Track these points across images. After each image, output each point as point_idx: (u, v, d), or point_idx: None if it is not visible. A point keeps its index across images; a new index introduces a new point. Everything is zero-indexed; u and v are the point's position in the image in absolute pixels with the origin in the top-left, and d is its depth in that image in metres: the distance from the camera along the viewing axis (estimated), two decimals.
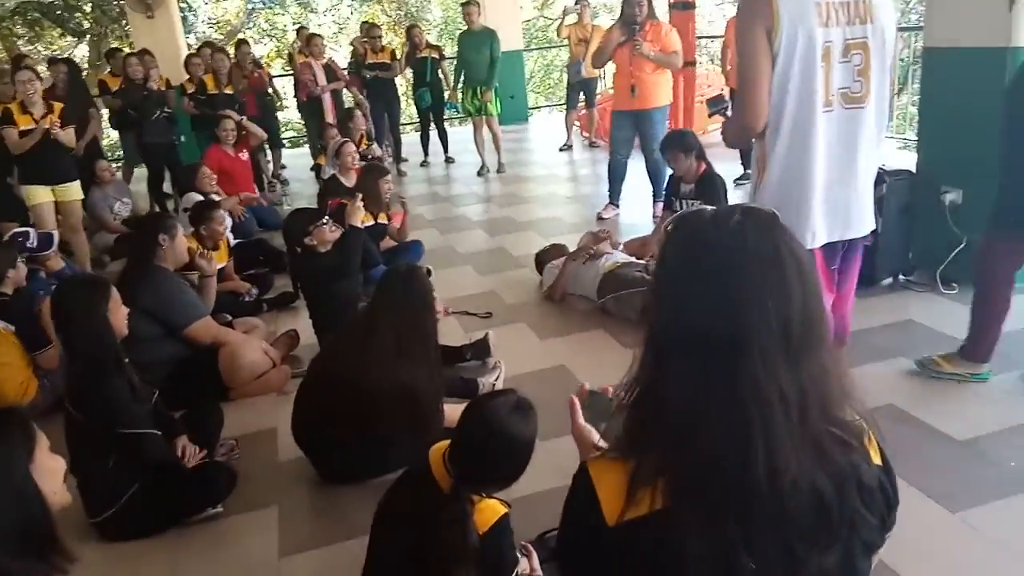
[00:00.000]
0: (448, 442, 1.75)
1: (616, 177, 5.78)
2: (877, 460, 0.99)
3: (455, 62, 7.98)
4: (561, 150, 8.87)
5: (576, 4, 8.23)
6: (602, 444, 1.20)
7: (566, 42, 8.63)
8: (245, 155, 6.56)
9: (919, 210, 3.85)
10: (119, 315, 2.50)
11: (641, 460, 0.91)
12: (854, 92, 2.07)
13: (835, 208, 2.16)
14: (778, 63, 1.99)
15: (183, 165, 6.61)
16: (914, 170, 3.99)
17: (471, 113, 7.73)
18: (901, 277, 3.95)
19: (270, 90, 7.78)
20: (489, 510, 1.69)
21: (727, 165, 5.52)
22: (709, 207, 1.01)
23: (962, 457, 2.51)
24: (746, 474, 0.87)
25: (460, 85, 7.73)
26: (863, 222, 2.24)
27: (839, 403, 0.95)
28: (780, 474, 0.87)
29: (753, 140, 2.20)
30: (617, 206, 5.84)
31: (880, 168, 3.87)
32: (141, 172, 7.47)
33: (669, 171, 4.81)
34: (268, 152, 8.12)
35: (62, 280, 3.38)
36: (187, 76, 7.39)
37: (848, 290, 2.40)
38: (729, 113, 2.58)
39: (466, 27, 7.64)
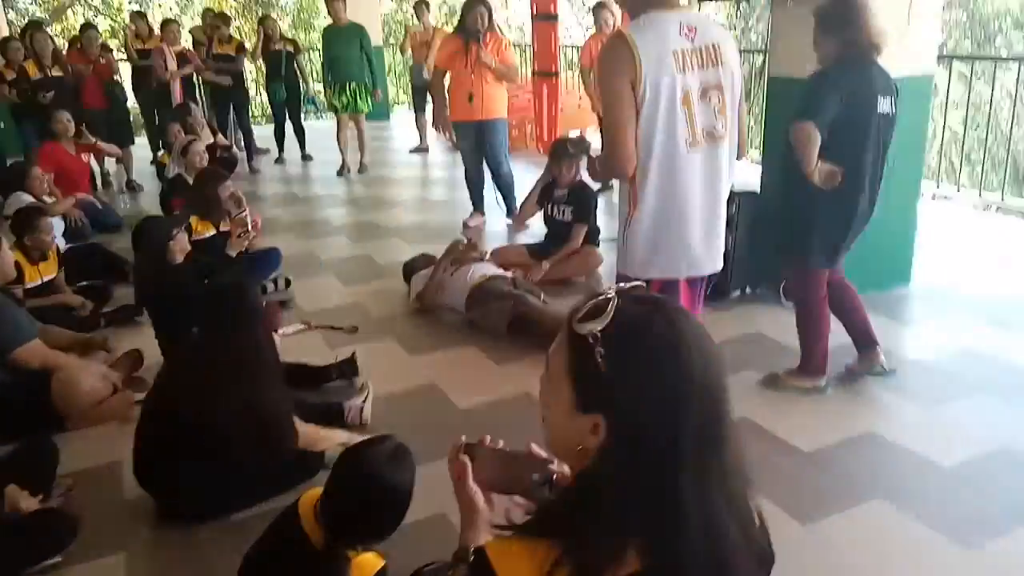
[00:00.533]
0: (318, 492, 1.65)
1: (474, 185, 5.79)
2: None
3: (320, 57, 7.71)
4: (411, 152, 8.75)
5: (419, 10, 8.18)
6: (495, 516, 1.11)
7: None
8: (86, 157, 6.01)
9: (764, 228, 4.11)
10: None
11: (567, 550, 0.84)
12: (717, 131, 2.20)
13: (701, 241, 2.27)
14: (644, 110, 2.09)
15: (7, 164, 5.93)
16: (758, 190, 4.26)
17: (337, 110, 7.47)
18: (749, 290, 4.22)
19: (116, 77, 7.12)
20: (367, 565, 1.62)
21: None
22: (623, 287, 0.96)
23: (810, 468, 2.70)
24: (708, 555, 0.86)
25: (329, 81, 7.43)
26: (717, 258, 2.36)
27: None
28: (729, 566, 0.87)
29: (620, 184, 2.31)
30: (483, 213, 5.84)
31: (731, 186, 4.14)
32: None
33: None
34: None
35: None
36: (3, 61, 6.63)
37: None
38: (592, 152, 2.65)
39: (331, 22, 7.37)
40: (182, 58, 7.65)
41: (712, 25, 2.26)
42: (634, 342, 0.89)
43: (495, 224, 5.82)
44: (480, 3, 5.31)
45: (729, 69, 2.19)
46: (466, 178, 5.81)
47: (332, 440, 2.65)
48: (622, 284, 0.97)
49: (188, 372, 2.45)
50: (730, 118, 2.21)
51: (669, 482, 0.86)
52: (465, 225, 5.76)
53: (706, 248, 2.30)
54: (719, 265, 2.38)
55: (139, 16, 8.05)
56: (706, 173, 2.22)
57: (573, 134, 7.56)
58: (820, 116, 2.75)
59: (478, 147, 5.57)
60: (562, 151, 4.71)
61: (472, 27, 5.24)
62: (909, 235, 4.23)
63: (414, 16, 8.70)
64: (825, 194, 2.86)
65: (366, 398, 3.10)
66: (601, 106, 2.22)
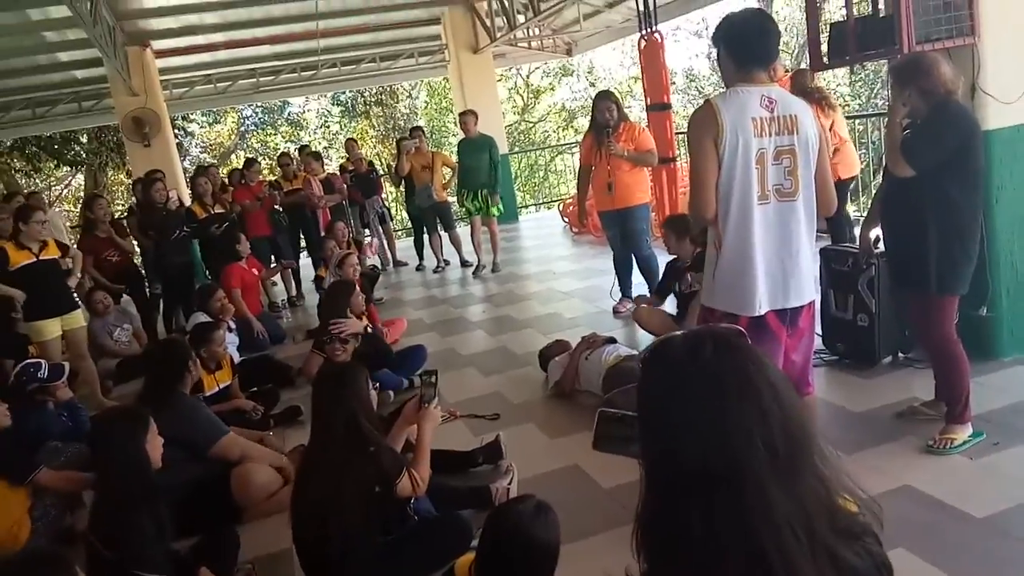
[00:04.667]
0: (472, 556, 1.75)
1: (623, 271, 5.91)
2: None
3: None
4: (435, 271, 8.68)
5: (412, 138, 8.47)
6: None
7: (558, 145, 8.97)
8: (256, 271, 6.81)
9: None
10: (156, 446, 2.54)
11: None
12: (785, 188, 2.47)
13: (775, 281, 2.50)
14: (723, 165, 2.41)
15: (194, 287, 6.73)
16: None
17: (471, 213, 7.92)
18: (900, 355, 4.02)
19: (278, 207, 7.96)
20: None
21: None
22: (679, 332, 1.05)
23: (983, 535, 2.50)
24: None
25: (461, 188, 7.94)
26: (802, 292, 2.56)
27: (841, 505, 0.98)
28: None
29: (709, 228, 2.58)
30: (631, 299, 5.88)
31: (869, 253, 4.04)
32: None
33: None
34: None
35: (102, 411, 3.41)
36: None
37: (806, 348, 2.68)
38: None
39: (464, 135, 7.94)
40: (328, 184, 8.40)
41: (792, 100, 2.52)
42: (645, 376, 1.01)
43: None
44: (607, 97, 5.62)
45: (804, 137, 2.46)
46: (615, 264, 5.95)
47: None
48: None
49: (317, 465, 2.64)
50: (803, 178, 2.48)
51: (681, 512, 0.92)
52: (615, 311, 5.84)
53: (782, 285, 2.50)
54: (807, 296, 2.57)
55: (286, 156, 9.00)
56: (780, 223, 2.48)
57: None
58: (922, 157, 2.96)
59: (622, 235, 5.73)
60: (671, 228, 4.82)
61: (602, 121, 5.51)
62: None
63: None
64: (962, 223, 2.98)
65: (511, 479, 3.21)
66: (690, 161, 2.52)
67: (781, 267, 2.49)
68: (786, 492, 0.91)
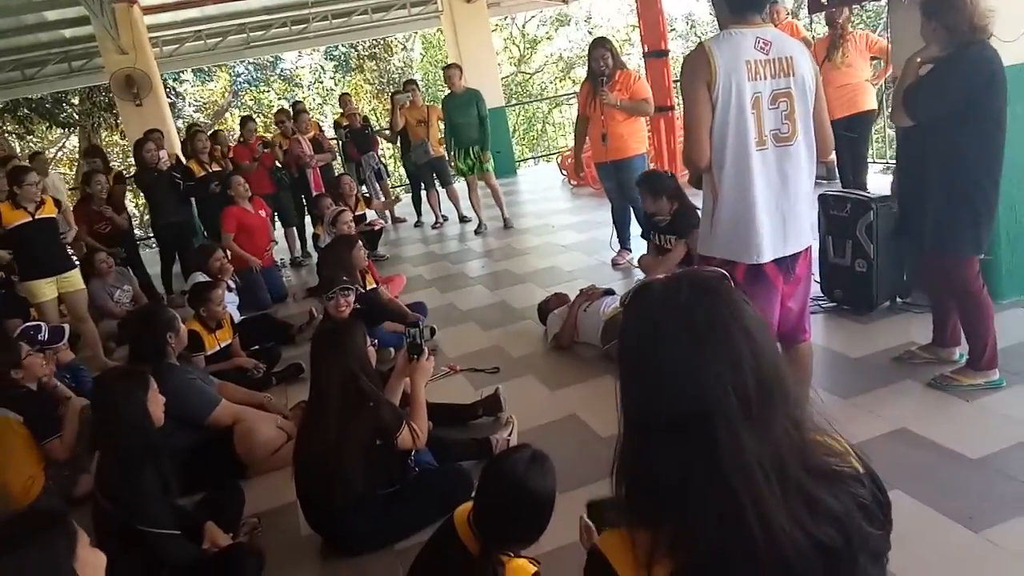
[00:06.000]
0: (471, 504, 1.78)
1: (620, 223, 5.85)
2: (861, 468, 1.02)
3: (443, 125, 8.12)
4: (434, 227, 8.68)
5: (406, 92, 8.33)
6: None
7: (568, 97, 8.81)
8: (264, 213, 6.72)
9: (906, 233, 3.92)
10: (157, 405, 2.56)
11: (652, 536, 0.94)
12: (783, 133, 2.43)
13: (775, 229, 2.46)
14: (717, 110, 2.36)
15: (193, 247, 6.69)
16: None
17: (464, 172, 7.82)
18: (898, 300, 4.02)
19: (278, 163, 7.87)
20: (520, 570, 1.72)
21: None
22: (659, 277, 1.05)
23: (979, 475, 2.53)
24: (746, 543, 0.90)
25: (452, 146, 7.80)
26: (800, 238, 2.54)
27: (817, 447, 0.98)
28: (778, 539, 0.90)
29: (703, 175, 2.54)
30: (630, 250, 5.88)
31: (867, 195, 4.01)
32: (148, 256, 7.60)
33: None
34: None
35: (103, 372, 3.42)
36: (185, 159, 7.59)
37: (803, 295, 2.66)
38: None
39: (449, 90, 7.79)
40: (316, 144, 8.26)
41: (788, 41, 2.45)
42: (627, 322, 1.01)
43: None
44: (601, 45, 5.48)
45: (800, 79, 2.41)
46: (612, 216, 5.91)
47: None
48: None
49: (314, 419, 2.68)
50: (801, 122, 2.43)
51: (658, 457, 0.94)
52: (615, 263, 5.82)
53: (781, 233, 2.47)
54: (804, 242, 2.55)
55: (283, 113, 8.87)
56: (778, 169, 2.43)
57: None
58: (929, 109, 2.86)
59: (618, 186, 5.66)
60: (646, 188, 4.82)
61: (596, 69, 5.39)
62: None
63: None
64: (971, 179, 2.87)
65: (511, 431, 3.24)
66: (683, 106, 2.47)
67: (780, 214, 2.46)
68: (758, 437, 0.92)
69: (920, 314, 3.77)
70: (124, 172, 7.55)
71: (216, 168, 7.26)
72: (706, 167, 2.46)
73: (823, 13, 5.70)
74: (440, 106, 7.99)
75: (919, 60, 2.93)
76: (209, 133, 8.22)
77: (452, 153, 7.83)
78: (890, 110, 3.05)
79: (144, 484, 2.41)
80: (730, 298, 0.98)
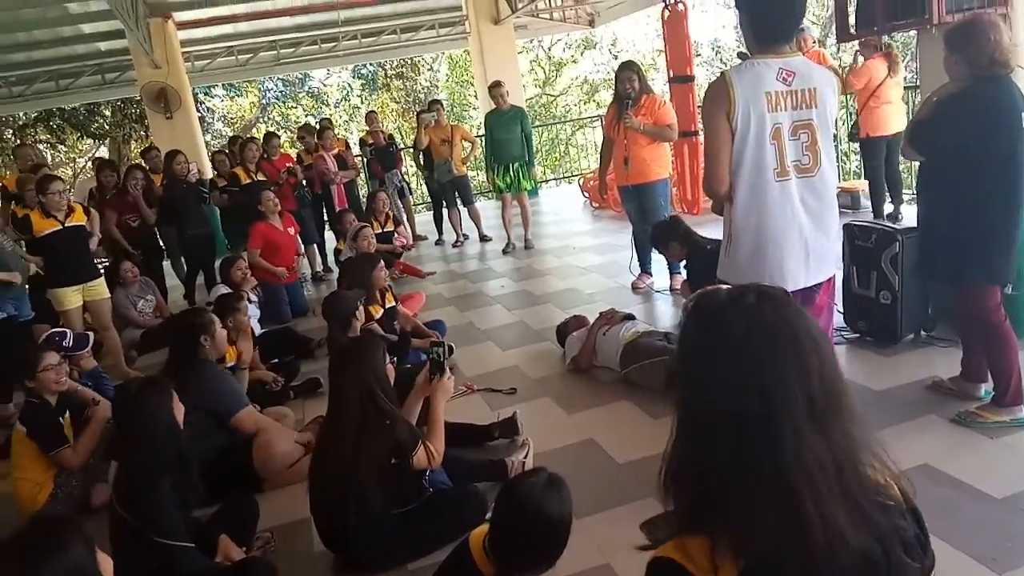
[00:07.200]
0: (487, 527, 1.77)
1: (642, 247, 5.83)
2: (904, 502, 1.03)
3: (483, 141, 8.14)
4: (454, 246, 8.70)
5: (431, 111, 8.37)
6: None
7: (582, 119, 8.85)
8: (292, 231, 6.76)
9: (929, 264, 3.87)
10: (179, 415, 2.58)
11: (710, 541, 0.95)
12: (804, 164, 2.43)
13: (797, 259, 2.46)
14: (735, 140, 2.38)
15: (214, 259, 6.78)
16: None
17: (501, 190, 7.79)
18: (923, 333, 3.96)
19: (303, 181, 7.96)
20: None
21: None
22: (724, 286, 1.07)
23: (1003, 515, 2.47)
24: (805, 545, 0.91)
25: (492, 162, 7.78)
26: (821, 268, 2.54)
27: (869, 467, 0.99)
28: (838, 539, 0.91)
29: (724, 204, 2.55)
30: (650, 274, 5.87)
31: (892, 226, 3.98)
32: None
33: None
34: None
35: (126, 381, 3.47)
36: (215, 172, 7.67)
37: (824, 325, 2.61)
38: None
39: (494, 107, 7.78)
40: (341, 160, 8.33)
41: (814, 71, 2.44)
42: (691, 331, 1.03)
43: (664, 283, 5.76)
44: (628, 68, 5.51)
45: (824, 110, 2.42)
46: (633, 239, 5.90)
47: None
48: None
49: (331, 437, 2.68)
50: (824, 153, 2.44)
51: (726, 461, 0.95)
52: (634, 287, 5.80)
53: (804, 263, 2.47)
54: (827, 272, 2.55)
55: (305, 129, 8.94)
56: (800, 200, 2.44)
57: None
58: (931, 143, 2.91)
59: (640, 210, 5.64)
60: (658, 239, 4.88)
61: (623, 92, 5.41)
62: None
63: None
64: (982, 212, 2.85)
65: (527, 454, 3.23)
66: (704, 135, 2.50)
67: (803, 244, 2.46)
68: (820, 440, 0.93)
69: (945, 348, 3.72)
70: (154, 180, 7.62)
71: (261, 178, 7.35)
72: (725, 195, 2.48)
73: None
74: (469, 126, 8.05)
75: (935, 99, 2.95)
76: (247, 139, 8.35)
77: (492, 171, 7.80)
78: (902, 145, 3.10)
79: (161, 495, 2.42)
80: (797, 307, 1.00)
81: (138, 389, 2.68)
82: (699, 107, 7.96)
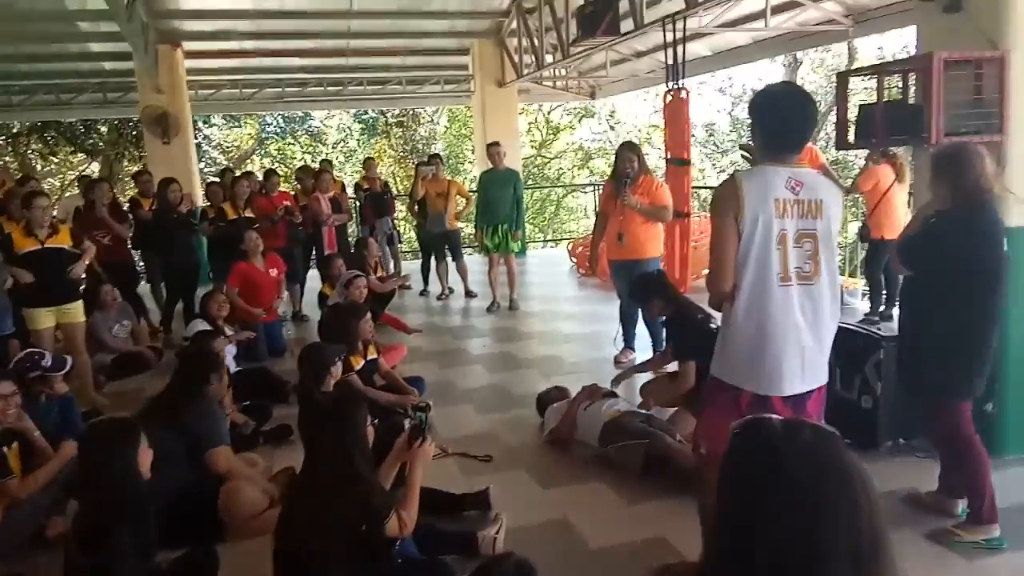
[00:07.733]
0: None
1: (628, 322, 5.87)
2: None
3: (476, 198, 8.21)
4: (439, 298, 8.74)
5: (430, 165, 8.51)
6: None
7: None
8: (275, 272, 6.68)
9: (908, 373, 3.92)
10: (145, 459, 2.51)
11: None
12: (805, 271, 2.47)
13: (793, 365, 2.46)
14: (741, 242, 2.42)
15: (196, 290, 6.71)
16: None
17: (488, 250, 7.85)
18: (901, 440, 3.98)
19: (297, 220, 7.94)
20: None
21: None
22: (776, 416, 1.05)
23: None
24: None
25: (481, 222, 7.83)
26: (815, 376, 2.54)
27: None
28: None
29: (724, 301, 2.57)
30: (633, 350, 5.88)
31: (878, 332, 4.03)
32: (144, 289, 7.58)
33: None
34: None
35: (96, 422, 3.36)
36: (207, 203, 7.65)
37: None
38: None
39: (490, 166, 7.88)
40: (335, 203, 8.30)
41: (820, 183, 2.49)
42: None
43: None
44: (629, 149, 5.64)
45: (827, 222, 2.46)
46: (620, 314, 5.92)
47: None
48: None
49: (297, 495, 2.62)
50: (825, 262, 2.47)
51: None
52: (617, 361, 5.79)
53: (799, 370, 2.47)
54: (820, 380, 2.54)
55: (304, 171, 8.95)
56: (800, 306, 2.45)
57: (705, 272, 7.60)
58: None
59: (630, 285, 5.62)
60: (640, 292, 4.87)
61: (622, 171, 5.53)
62: None
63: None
64: (963, 330, 2.96)
65: (499, 529, 3.15)
66: (711, 234, 2.54)
67: (799, 350, 2.47)
68: None
69: (923, 459, 3.73)
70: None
71: (249, 215, 7.32)
72: (728, 294, 2.50)
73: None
74: (464, 181, 8.14)
75: (923, 216, 3.06)
76: (239, 175, 8.34)
77: (480, 230, 7.86)
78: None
79: (120, 540, 2.34)
80: (849, 450, 0.98)
81: (107, 431, 2.60)
82: (694, 188, 8.12)
